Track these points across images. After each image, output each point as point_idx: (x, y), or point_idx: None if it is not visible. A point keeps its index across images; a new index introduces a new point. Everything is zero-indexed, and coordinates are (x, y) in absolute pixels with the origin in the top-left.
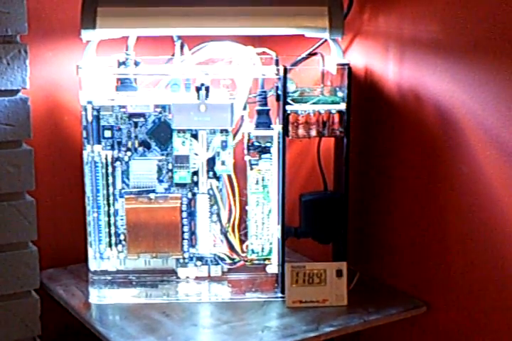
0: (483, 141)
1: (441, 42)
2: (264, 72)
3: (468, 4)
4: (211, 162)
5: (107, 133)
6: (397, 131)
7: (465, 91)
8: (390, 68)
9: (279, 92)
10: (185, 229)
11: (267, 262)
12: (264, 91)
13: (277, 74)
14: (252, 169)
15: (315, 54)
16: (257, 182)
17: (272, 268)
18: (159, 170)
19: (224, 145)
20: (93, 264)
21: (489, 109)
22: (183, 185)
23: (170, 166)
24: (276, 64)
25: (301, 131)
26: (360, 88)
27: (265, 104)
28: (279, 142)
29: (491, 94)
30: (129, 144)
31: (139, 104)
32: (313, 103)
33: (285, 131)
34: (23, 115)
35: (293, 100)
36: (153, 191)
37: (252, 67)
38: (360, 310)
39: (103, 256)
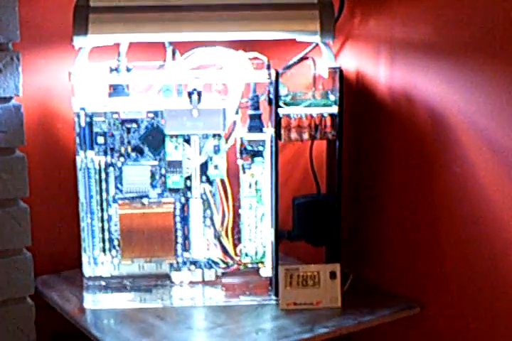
0: (476, 142)
1: (433, 45)
2: (255, 77)
3: (459, 7)
4: (204, 166)
5: (100, 139)
6: (389, 133)
7: (457, 93)
8: (382, 71)
9: (271, 96)
10: (179, 233)
11: (260, 265)
12: (256, 96)
13: (269, 79)
14: (244, 173)
15: (306, 58)
16: (249, 186)
17: (266, 271)
18: (152, 175)
19: (217, 150)
20: (87, 270)
21: (481, 110)
22: (176, 190)
23: (163, 171)
24: (268, 68)
25: (293, 135)
26: (352, 91)
27: (257, 109)
28: (271, 146)
29: (482, 95)
30: (122, 150)
31: (132, 110)
32: (306, 106)
33: (277, 135)
34: (16, 122)
35: (285, 104)
36: (147, 196)
37: (243, 72)
38: (353, 311)
39: (97, 261)
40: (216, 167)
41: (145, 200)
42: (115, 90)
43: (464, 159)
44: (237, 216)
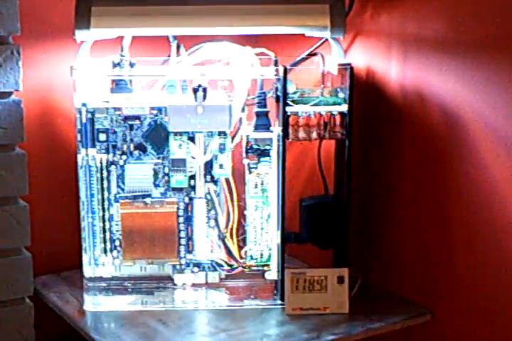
0: (490, 141)
1: (447, 41)
2: (262, 73)
3: (475, 1)
4: (209, 165)
5: (102, 137)
6: (401, 132)
7: (471, 91)
8: (393, 68)
9: (279, 93)
10: (182, 234)
11: (265, 268)
12: (263, 93)
13: (276, 75)
14: (250, 173)
15: (315, 54)
16: (256, 186)
17: (271, 274)
18: (155, 174)
19: (222, 148)
20: (88, 271)
21: (496, 109)
22: (179, 190)
23: (166, 170)
24: (276, 64)
25: (301, 134)
26: (362, 89)
27: (264, 106)
28: (278, 145)
29: (498, 93)
30: (125, 147)
31: (135, 106)
32: (314, 104)
33: (285, 134)
34: (16, 118)
35: (293, 101)
36: (149, 196)
37: (250, 68)
38: (362, 317)
39: (98, 262)
40: (221, 166)
41: (147, 200)
42: (118, 86)
43: (478, 160)
44: (242, 217)
